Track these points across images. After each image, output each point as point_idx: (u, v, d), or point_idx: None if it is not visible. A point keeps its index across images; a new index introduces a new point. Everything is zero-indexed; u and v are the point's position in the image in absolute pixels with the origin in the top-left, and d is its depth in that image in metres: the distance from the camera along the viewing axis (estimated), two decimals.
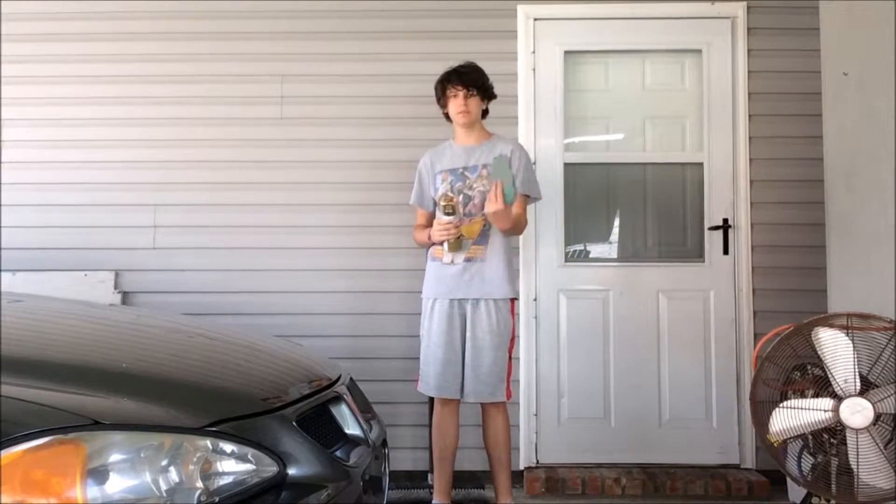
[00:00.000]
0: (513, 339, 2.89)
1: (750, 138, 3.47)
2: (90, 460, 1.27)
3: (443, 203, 2.79)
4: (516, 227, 2.88)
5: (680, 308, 3.48)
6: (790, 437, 2.28)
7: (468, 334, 2.82)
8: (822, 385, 2.26)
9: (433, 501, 2.94)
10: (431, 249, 2.93)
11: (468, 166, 2.89)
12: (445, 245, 2.81)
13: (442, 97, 2.93)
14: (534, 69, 3.50)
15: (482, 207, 2.81)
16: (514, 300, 2.89)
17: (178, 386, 1.60)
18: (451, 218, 2.77)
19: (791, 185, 3.44)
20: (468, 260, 2.82)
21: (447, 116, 2.97)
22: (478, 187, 2.85)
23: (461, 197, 2.86)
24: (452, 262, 2.84)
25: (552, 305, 3.48)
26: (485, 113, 2.98)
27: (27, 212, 3.43)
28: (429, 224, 2.97)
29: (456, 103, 2.87)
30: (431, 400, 3.08)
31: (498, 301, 2.82)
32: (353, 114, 3.47)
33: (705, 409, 3.45)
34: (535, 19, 3.51)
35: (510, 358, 2.88)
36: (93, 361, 1.67)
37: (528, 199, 2.93)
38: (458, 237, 2.80)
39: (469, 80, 2.86)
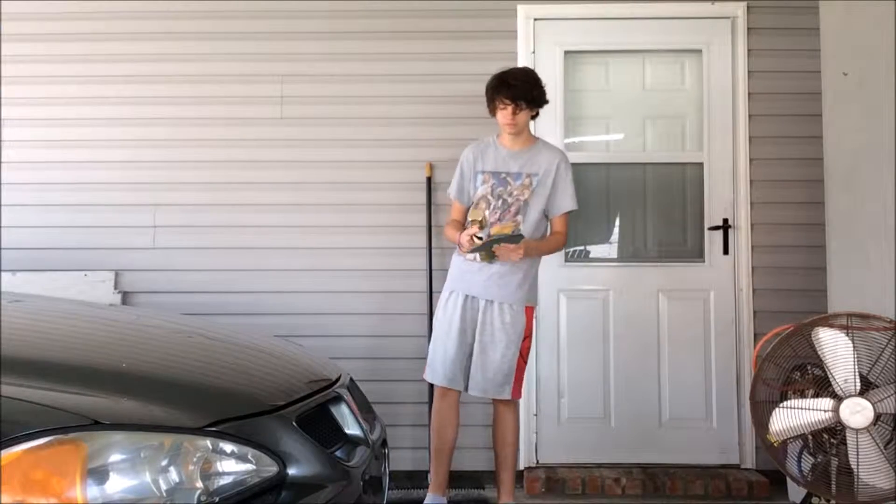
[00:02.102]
0: (527, 340, 2.88)
1: (750, 138, 3.46)
2: (90, 460, 1.27)
3: (470, 219, 2.81)
4: (555, 247, 2.96)
5: (680, 308, 3.47)
6: (790, 438, 2.29)
7: (478, 329, 2.83)
8: (822, 385, 2.26)
9: (427, 495, 2.93)
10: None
11: (511, 172, 2.88)
12: (477, 255, 2.80)
13: (490, 104, 2.87)
14: (534, 69, 3.50)
15: (515, 214, 2.84)
16: (531, 307, 2.89)
17: (178, 386, 1.60)
18: (477, 230, 2.76)
19: (791, 185, 3.44)
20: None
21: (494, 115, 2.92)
22: (518, 195, 2.85)
23: (500, 202, 2.85)
24: (475, 258, 2.83)
25: (552, 305, 3.47)
26: (535, 116, 2.93)
27: (27, 212, 3.43)
28: (462, 220, 2.95)
29: (504, 115, 2.83)
30: (431, 396, 3.08)
31: (514, 305, 2.83)
32: (353, 114, 3.47)
33: (705, 409, 3.45)
34: (535, 19, 3.51)
35: (524, 360, 2.88)
36: (93, 361, 1.68)
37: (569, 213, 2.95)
38: (491, 249, 2.75)
39: (518, 93, 2.80)
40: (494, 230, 2.80)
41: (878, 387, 2.22)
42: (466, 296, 2.85)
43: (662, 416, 3.45)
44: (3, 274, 3.26)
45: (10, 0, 3.48)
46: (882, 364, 2.22)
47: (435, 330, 2.92)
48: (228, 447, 1.41)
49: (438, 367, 2.85)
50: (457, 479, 3.06)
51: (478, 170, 2.91)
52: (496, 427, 2.91)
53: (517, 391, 2.87)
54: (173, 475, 1.33)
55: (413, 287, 3.38)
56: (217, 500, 1.34)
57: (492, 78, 2.86)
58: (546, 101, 2.92)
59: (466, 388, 2.86)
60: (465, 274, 2.87)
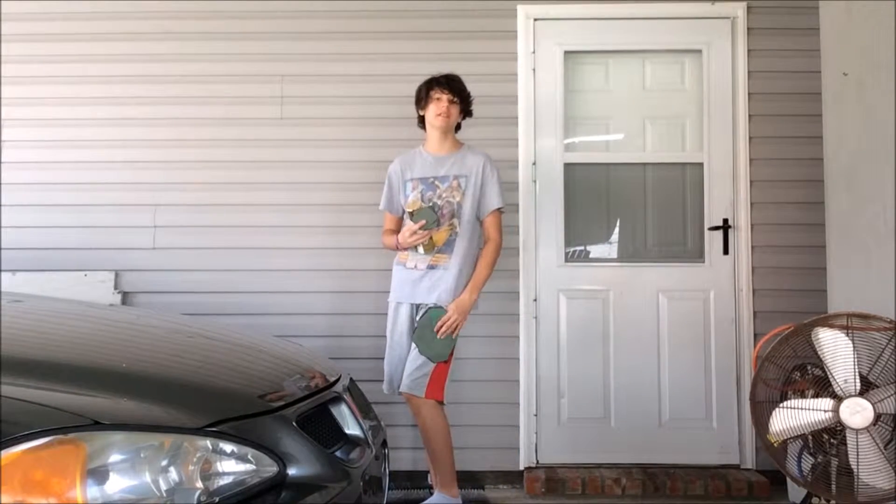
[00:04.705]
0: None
1: (750, 138, 3.46)
2: (90, 460, 1.27)
3: (409, 210, 2.88)
4: (493, 259, 2.97)
5: (680, 308, 3.47)
6: (790, 438, 2.29)
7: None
8: (822, 385, 2.26)
9: (436, 495, 2.93)
10: (398, 254, 3.01)
11: (438, 176, 2.96)
12: (420, 248, 2.89)
13: (424, 99, 2.97)
14: (534, 69, 3.50)
15: (451, 217, 2.91)
16: None
17: (178, 386, 1.60)
18: (419, 225, 2.82)
19: (791, 185, 3.44)
20: (431, 267, 2.91)
21: (421, 120, 3.04)
22: (447, 197, 2.93)
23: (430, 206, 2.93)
24: (416, 266, 2.93)
25: (552, 305, 3.47)
26: (457, 127, 3.05)
27: (27, 212, 3.43)
28: (397, 229, 3.04)
29: (438, 106, 2.93)
30: None
31: (445, 305, 2.89)
32: (353, 114, 3.47)
33: (705, 409, 3.45)
34: (535, 19, 3.51)
35: (447, 362, 2.88)
36: (93, 361, 1.68)
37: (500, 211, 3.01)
38: (430, 238, 2.88)
39: (455, 87, 2.95)
40: (434, 237, 2.90)
41: (878, 387, 2.22)
42: (412, 304, 2.94)
43: (662, 416, 3.45)
44: (3, 274, 3.26)
45: (10, 0, 3.48)
46: (882, 364, 2.22)
47: (387, 340, 3.01)
48: (228, 447, 1.41)
49: (395, 380, 2.95)
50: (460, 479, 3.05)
51: (406, 178, 3.01)
52: (417, 423, 2.95)
53: (433, 391, 2.84)
54: (173, 475, 1.33)
55: None
56: (217, 500, 1.34)
57: (422, 82, 2.99)
58: (471, 114, 3.03)
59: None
60: (406, 283, 2.95)
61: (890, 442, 2.24)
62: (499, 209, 2.98)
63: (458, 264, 2.91)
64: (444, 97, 2.92)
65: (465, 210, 2.93)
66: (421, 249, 2.90)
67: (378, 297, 3.34)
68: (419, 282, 2.92)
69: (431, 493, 2.99)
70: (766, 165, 3.46)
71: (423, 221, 2.82)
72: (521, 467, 3.39)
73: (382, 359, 3.13)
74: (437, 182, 2.95)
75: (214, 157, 3.47)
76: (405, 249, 2.95)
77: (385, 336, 3.09)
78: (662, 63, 3.59)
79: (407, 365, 2.89)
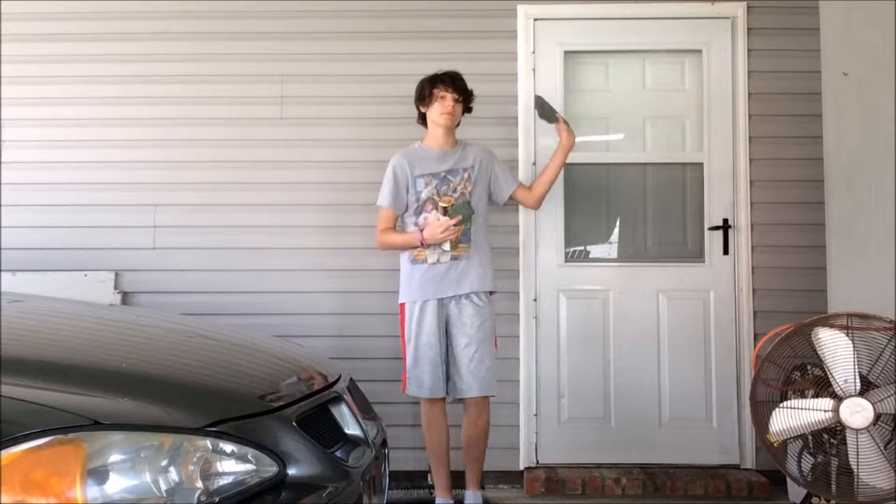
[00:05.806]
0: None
1: (750, 138, 3.46)
2: (90, 460, 1.27)
3: (443, 206, 2.90)
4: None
5: (680, 308, 3.47)
6: (790, 438, 2.29)
7: (456, 331, 2.91)
8: (822, 385, 2.26)
9: (437, 500, 2.94)
10: (411, 252, 2.98)
11: (448, 170, 2.98)
12: (447, 245, 2.89)
13: (427, 97, 2.98)
14: (534, 69, 3.50)
15: None
16: (492, 293, 3.01)
17: (178, 386, 1.60)
18: (456, 220, 2.85)
19: (791, 185, 3.44)
20: (454, 258, 2.93)
21: (421, 117, 3.06)
22: (461, 189, 2.97)
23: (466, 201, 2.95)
24: (438, 261, 2.92)
25: (552, 305, 3.47)
26: (457, 123, 3.08)
27: (27, 212, 3.43)
28: (394, 226, 3.05)
29: (444, 104, 2.95)
30: None
31: (483, 294, 2.94)
32: (353, 114, 3.47)
33: (705, 409, 3.45)
34: (535, 19, 3.51)
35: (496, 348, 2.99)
36: (93, 361, 1.68)
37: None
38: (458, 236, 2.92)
39: (459, 86, 2.98)
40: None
41: (878, 387, 2.23)
42: (439, 300, 2.93)
43: (662, 416, 3.45)
44: (3, 274, 3.26)
45: (10, 0, 3.48)
46: (882, 364, 2.22)
47: (410, 342, 2.95)
48: (228, 447, 1.41)
49: (426, 379, 2.90)
50: (456, 478, 3.05)
51: (416, 174, 2.99)
52: (470, 426, 2.95)
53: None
54: (173, 475, 1.33)
55: None
56: (217, 500, 1.34)
57: (423, 79, 3.01)
58: (470, 110, 3.07)
59: (452, 393, 2.93)
60: (431, 281, 2.93)
61: (890, 442, 2.24)
62: (521, 183, 3.11)
63: (480, 252, 2.96)
64: (449, 96, 2.95)
65: (477, 200, 2.99)
66: (447, 245, 2.91)
67: (379, 297, 3.35)
68: (446, 275, 2.92)
69: (432, 494, 3.00)
70: (766, 165, 3.46)
71: (460, 217, 2.85)
72: (521, 467, 3.39)
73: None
74: (448, 176, 2.97)
75: (214, 156, 3.46)
76: (428, 247, 2.92)
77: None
78: (662, 63, 3.59)
79: (467, 368, 2.88)
